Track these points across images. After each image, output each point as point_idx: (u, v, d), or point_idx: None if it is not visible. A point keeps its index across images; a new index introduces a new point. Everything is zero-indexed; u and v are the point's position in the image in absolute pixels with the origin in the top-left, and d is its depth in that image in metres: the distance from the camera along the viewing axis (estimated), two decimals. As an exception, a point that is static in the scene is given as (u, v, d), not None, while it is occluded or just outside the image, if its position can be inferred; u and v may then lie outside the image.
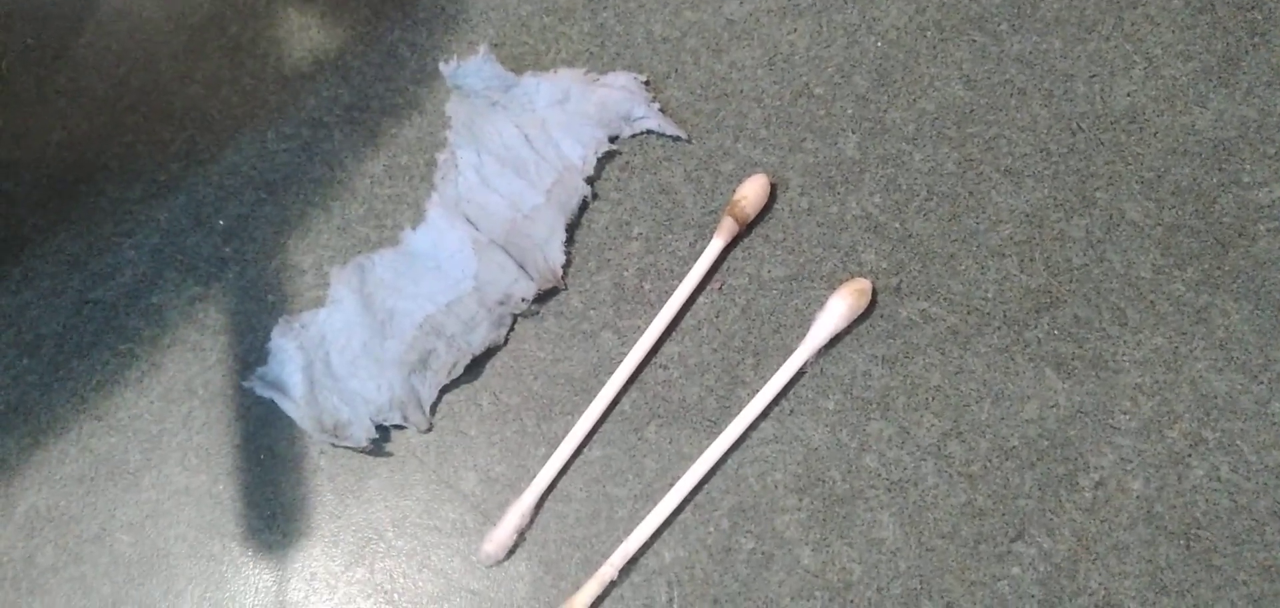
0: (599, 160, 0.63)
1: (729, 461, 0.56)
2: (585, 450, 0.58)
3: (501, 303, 0.60)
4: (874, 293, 0.58)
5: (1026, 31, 0.63)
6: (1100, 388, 0.55)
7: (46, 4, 0.73)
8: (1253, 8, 0.61)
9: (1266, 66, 0.60)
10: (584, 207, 0.63)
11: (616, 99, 0.63)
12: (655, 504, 0.55)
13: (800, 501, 0.55)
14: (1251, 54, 0.60)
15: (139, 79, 0.70)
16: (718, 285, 0.60)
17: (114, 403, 0.61)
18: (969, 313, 0.58)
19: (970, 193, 0.60)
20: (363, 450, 0.59)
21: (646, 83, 0.65)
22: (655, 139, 0.64)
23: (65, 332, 0.63)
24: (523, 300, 0.60)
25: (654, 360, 0.59)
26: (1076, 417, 0.55)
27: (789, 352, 0.57)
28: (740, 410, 0.56)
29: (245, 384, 0.60)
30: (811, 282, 0.59)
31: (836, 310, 0.57)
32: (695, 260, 0.60)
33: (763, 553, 0.54)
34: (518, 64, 0.67)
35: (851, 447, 0.56)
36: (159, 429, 0.61)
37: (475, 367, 0.60)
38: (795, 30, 0.65)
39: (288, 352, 0.60)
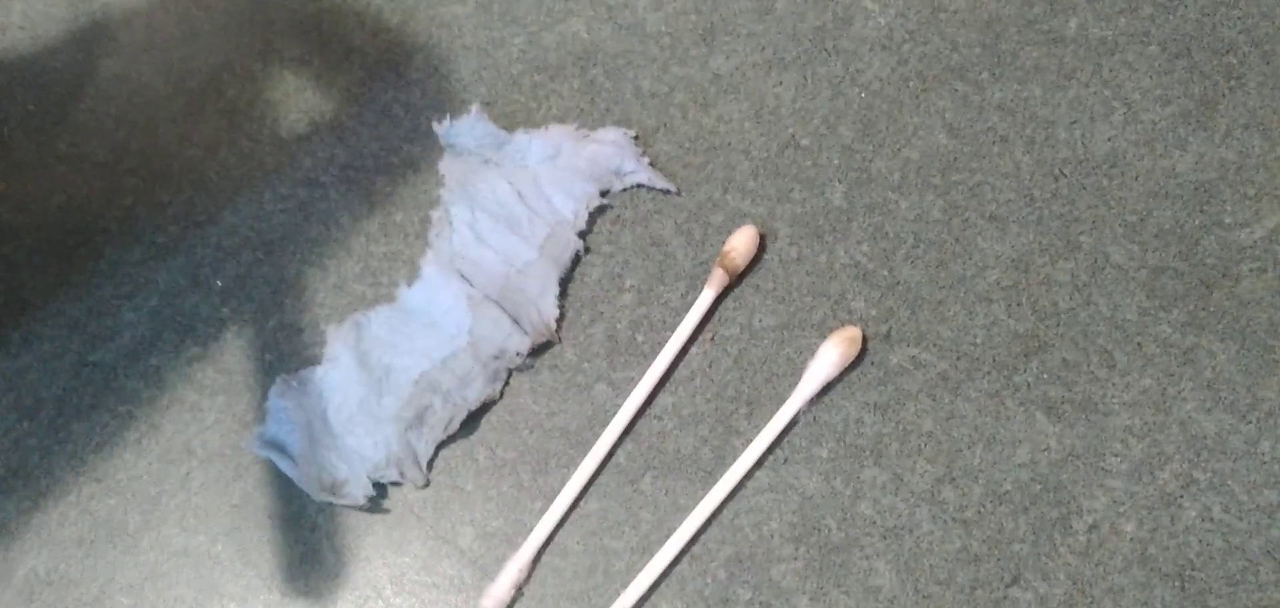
0: (591, 215, 0.64)
1: (725, 511, 0.57)
2: (582, 504, 0.58)
3: (496, 358, 0.61)
4: (864, 340, 0.59)
5: (1007, 80, 0.64)
6: (1091, 431, 0.56)
7: (47, 70, 0.74)
8: (1228, 52, 0.63)
9: (1243, 109, 0.61)
10: (577, 260, 0.64)
11: (607, 154, 0.65)
12: (652, 556, 0.55)
13: (796, 549, 0.55)
14: (1228, 98, 0.62)
15: (138, 143, 0.71)
16: (710, 336, 0.61)
17: (113, 465, 0.62)
18: (958, 358, 0.58)
19: (956, 239, 0.61)
20: (360, 508, 0.59)
21: (636, 138, 0.66)
22: (645, 192, 0.65)
23: (65, 394, 0.64)
24: (517, 355, 0.61)
25: (648, 412, 0.60)
26: (1068, 460, 0.55)
27: (782, 400, 0.58)
28: (735, 460, 0.57)
29: (244, 444, 0.61)
30: (802, 330, 0.60)
31: (827, 358, 0.57)
32: (687, 311, 0.60)
33: (760, 603, 0.55)
34: (509, 122, 0.68)
35: (846, 494, 0.56)
36: (158, 491, 0.61)
37: (471, 422, 0.60)
38: (781, 83, 0.66)
39: (285, 411, 0.60)
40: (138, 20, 0.75)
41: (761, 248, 0.62)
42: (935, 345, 0.59)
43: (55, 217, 0.69)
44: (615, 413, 0.59)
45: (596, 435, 0.59)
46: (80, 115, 0.73)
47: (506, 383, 0.61)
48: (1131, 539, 0.54)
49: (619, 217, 0.65)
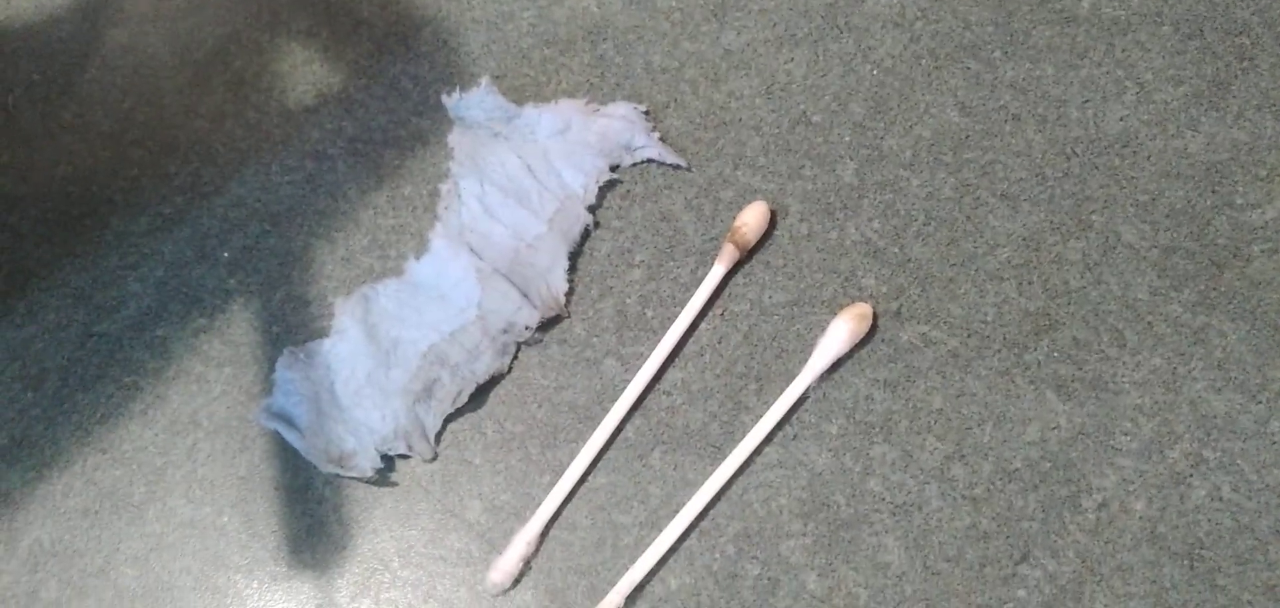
0: (600, 189, 0.64)
1: (733, 486, 0.57)
2: (590, 478, 0.58)
3: (505, 331, 0.61)
4: (875, 317, 0.59)
5: (1019, 59, 0.64)
6: (1101, 409, 0.56)
7: (52, 40, 0.74)
8: (1240, 33, 0.63)
9: (1255, 90, 0.61)
10: (586, 235, 0.63)
11: (617, 129, 0.64)
12: (660, 531, 0.55)
13: (805, 525, 0.55)
14: (1240, 78, 0.62)
15: (144, 113, 0.71)
16: (720, 311, 0.61)
17: (118, 436, 0.62)
18: (969, 336, 0.58)
19: (968, 217, 0.61)
20: (368, 480, 0.59)
21: (646, 112, 0.66)
22: (656, 168, 0.65)
23: (70, 365, 0.64)
24: (526, 328, 0.61)
25: (657, 387, 0.59)
26: (1078, 438, 0.55)
27: (791, 376, 0.58)
28: (744, 436, 0.57)
29: (250, 416, 0.61)
30: (812, 307, 0.60)
31: (838, 335, 0.57)
32: (697, 287, 0.60)
33: (768, 579, 0.55)
34: (519, 95, 0.68)
35: (855, 471, 0.56)
36: (164, 462, 0.61)
37: (479, 395, 0.60)
38: (792, 59, 0.66)
39: (293, 383, 0.60)
40: (144, -10, 0.75)
41: (772, 224, 0.62)
42: (946, 323, 0.59)
43: (61, 187, 0.69)
44: (624, 388, 0.59)
45: (605, 410, 0.58)
46: (86, 86, 0.72)
47: (515, 357, 0.61)
48: (1141, 518, 0.54)
49: (629, 192, 0.65)
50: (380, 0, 0.73)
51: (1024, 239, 0.60)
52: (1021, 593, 0.53)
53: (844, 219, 0.62)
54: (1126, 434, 0.55)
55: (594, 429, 0.58)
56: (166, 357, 0.63)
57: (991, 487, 0.55)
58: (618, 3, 0.70)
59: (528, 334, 0.61)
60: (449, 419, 0.60)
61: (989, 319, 0.58)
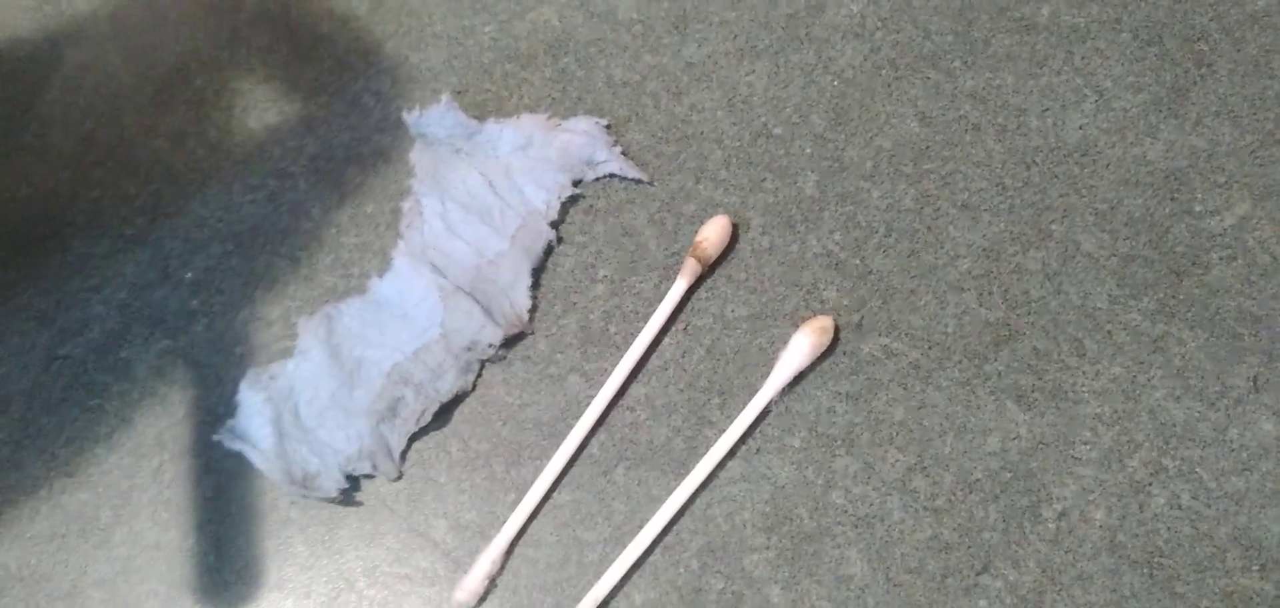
0: (563, 205, 0.64)
1: (697, 501, 0.57)
2: (554, 495, 0.58)
3: (468, 349, 0.61)
4: (836, 330, 0.59)
5: (979, 68, 0.64)
6: (1061, 419, 0.56)
7: (11, 60, 0.73)
8: (1199, 39, 0.63)
9: (1214, 97, 0.61)
10: (549, 251, 0.63)
11: (579, 144, 0.64)
12: (625, 547, 0.55)
13: (768, 539, 0.56)
14: (1199, 85, 0.62)
15: (104, 134, 0.70)
16: (682, 326, 0.61)
17: (84, 459, 0.61)
18: (930, 347, 0.58)
19: (928, 228, 0.61)
20: (333, 501, 0.59)
21: (608, 127, 0.66)
22: (618, 182, 0.65)
23: (34, 389, 0.63)
24: (490, 346, 0.61)
25: (621, 403, 0.59)
26: (1038, 448, 0.56)
27: (754, 390, 0.58)
28: (707, 450, 0.57)
29: (215, 437, 0.60)
30: (774, 320, 0.60)
31: (800, 348, 0.57)
32: (660, 302, 0.60)
33: (732, 593, 0.55)
34: (480, 111, 0.68)
35: (818, 484, 0.56)
36: (129, 485, 0.61)
37: (444, 414, 0.60)
38: (753, 72, 0.66)
39: (256, 404, 0.60)
40: (103, 9, 0.74)
41: (734, 238, 0.62)
42: (907, 335, 0.59)
43: (21, 209, 0.68)
44: (588, 404, 0.59)
45: (569, 426, 0.58)
46: (46, 106, 0.72)
47: (479, 374, 0.61)
48: (1101, 527, 0.54)
49: (591, 207, 0.64)
50: (340, 17, 0.72)
51: (984, 249, 0.60)
52: (983, 604, 0.53)
53: (805, 232, 0.62)
54: (1086, 444, 0.55)
55: (558, 446, 0.58)
56: (131, 379, 0.63)
57: (953, 498, 0.55)
58: (579, 16, 0.70)
59: (491, 352, 0.61)
60: (414, 438, 0.60)
61: (949, 330, 0.59)
